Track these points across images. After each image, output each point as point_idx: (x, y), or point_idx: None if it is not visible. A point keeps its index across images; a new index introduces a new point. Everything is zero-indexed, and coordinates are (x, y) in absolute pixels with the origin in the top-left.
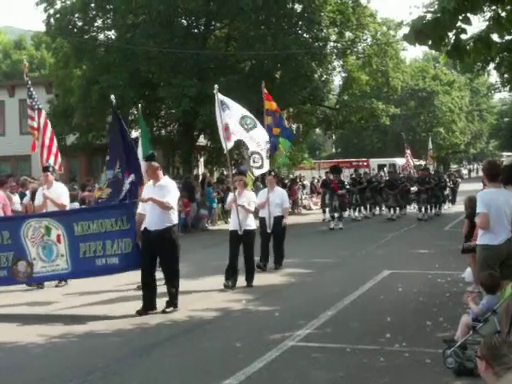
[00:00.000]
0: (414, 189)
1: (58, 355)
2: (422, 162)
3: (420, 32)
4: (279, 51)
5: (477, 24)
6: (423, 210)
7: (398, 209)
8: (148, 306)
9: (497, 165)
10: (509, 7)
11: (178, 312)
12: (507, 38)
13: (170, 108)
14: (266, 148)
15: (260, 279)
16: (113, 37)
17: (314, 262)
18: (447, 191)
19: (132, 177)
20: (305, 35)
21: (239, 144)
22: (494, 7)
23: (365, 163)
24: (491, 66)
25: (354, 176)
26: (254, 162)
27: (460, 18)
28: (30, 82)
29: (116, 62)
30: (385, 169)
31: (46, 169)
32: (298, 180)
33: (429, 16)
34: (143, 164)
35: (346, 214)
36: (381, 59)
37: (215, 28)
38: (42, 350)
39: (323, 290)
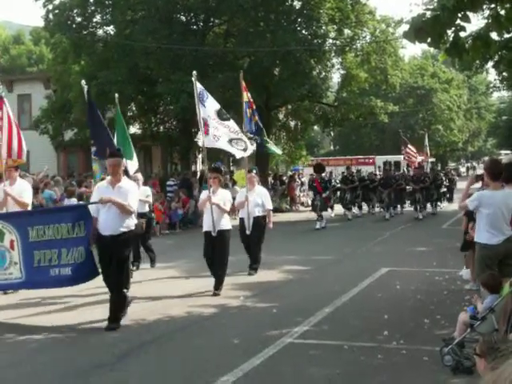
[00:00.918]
0: (409, 188)
1: (56, 352)
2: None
3: (420, 29)
4: (278, 48)
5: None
6: (418, 209)
7: (392, 208)
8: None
9: (499, 163)
10: (508, 5)
11: (176, 308)
12: (506, 36)
13: (168, 104)
14: (244, 134)
15: (258, 276)
16: (111, 32)
17: (312, 259)
18: (443, 189)
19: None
20: (304, 32)
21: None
22: (493, 5)
23: (370, 160)
24: (490, 64)
25: (345, 174)
26: (237, 145)
27: (459, 15)
28: None
29: (114, 58)
30: (379, 166)
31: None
32: (296, 177)
33: (428, 13)
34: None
35: (332, 213)
36: (379, 57)
37: (214, 24)
38: (39, 346)
39: (321, 287)
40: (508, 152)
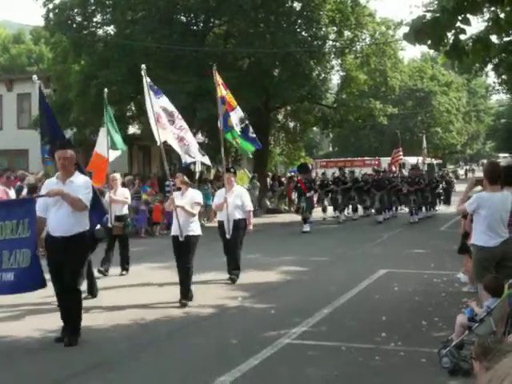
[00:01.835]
0: (404, 189)
1: (55, 350)
2: (434, 161)
3: (420, 31)
4: (278, 49)
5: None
6: (413, 211)
7: (386, 211)
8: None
9: (498, 166)
10: (508, 9)
11: (174, 308)
12: (506, 39)
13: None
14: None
15: (256, 277)
16: (112, 32)
17: (310, 261)
18: (439, 191)
19: None
20: (303, 33)
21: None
22: (493, 8)
23: (376, 162)
24: (489, 67)
25: (337, 175)
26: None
27: (459, 18)
28: None
29: (114, 58)
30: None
31: None
32: (294, 178)
33: (428, 15)
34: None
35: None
36: (379, 59)
37: (214, 25)
38: (39, 344)
39: (319, 289)
40: (506, 155)
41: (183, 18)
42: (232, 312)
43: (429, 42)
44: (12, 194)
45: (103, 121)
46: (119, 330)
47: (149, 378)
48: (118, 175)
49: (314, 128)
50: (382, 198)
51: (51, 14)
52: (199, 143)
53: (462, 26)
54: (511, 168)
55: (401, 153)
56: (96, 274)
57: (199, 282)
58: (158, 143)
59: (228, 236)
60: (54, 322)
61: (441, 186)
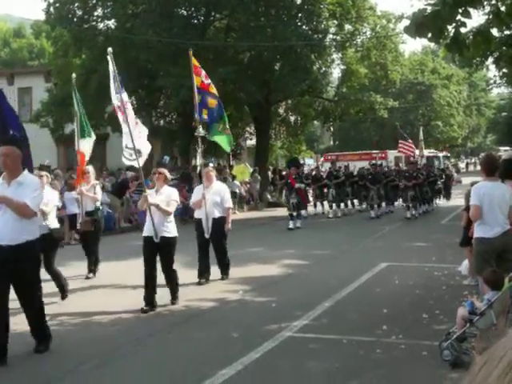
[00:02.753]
0: (401, 184)
1: (56, 344)
2: (440, 153)
3: (420, 24)
4: (278, 43)
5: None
6: (411, 207)
7: (383, 205)
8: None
9: (494, 159)
10: (508, 1)
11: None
12: (506, 32)
13: (168, 98)
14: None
15: (257, 270)
16: (112, 26)
17: (311, 254)
18: (439, 186)
19: None
20: (304, 27)
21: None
22: (493, 1)
23: (383, 155)
24: (490, 60)
25: (330, 169)
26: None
27: (460, 11)
28: None
29: (115, 52)
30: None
31: None
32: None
33: (429, 9)
34: (84, 145)
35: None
36: (380, 52)
37: (215, 19)
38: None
39: (320, 282)
40: (507, 148)
41: (184, 12)
42: (233, 305)
43: (429, 35)
44: None
45: (75, 109)
46: (119, 324)
47: (149, 371)
48: (90, 168)
49: (315, 122)
50: (379, 192)
51: (52, 8)
52: (200, 137)
53: (463, 19)
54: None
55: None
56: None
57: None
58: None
59: (207, 235)
60: (49, 314)
61: (440, 181)
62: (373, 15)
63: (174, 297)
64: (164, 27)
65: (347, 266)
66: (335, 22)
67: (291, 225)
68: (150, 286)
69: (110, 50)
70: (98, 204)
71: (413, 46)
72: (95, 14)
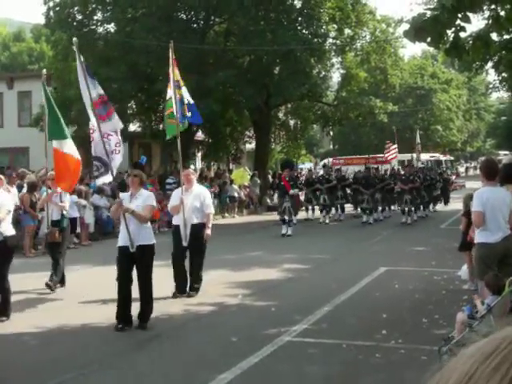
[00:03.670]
0: (397, 188)
1: (55, 348)
2: (442, 157)
3: (420, 29)
4: (278, 47)
5: (476, 23)
6: (406, 211)
7: (379, 211)
8: None
9: (494, 163)
10: (508, 6)
11: (174, 306)
12: (506, 36)
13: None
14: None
15: (256, 274)
16: (112, 30)
17: (310, 258)
18: (437, 191)
19: None
20: (304, 31)
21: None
22: (493, 6)
23: (384, 158)
24: (489, 64)
25: (322, 173)
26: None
27: (459, 16)
28: None
29: (115, 56)
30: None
31: None
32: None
33: (428, 13)
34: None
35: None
36: (379, 56)
37: (214, 23)
38: (38, 342)
39: (319, 286)
40: (507, 152)
41: (183, 16)
42: (232, 310)
43: (429, 39)
44: (14, 192)
45: (45, 107)
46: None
47: (149, 375)
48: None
49: (315, 126)
50: (373, 197)
51: (52, 12)
52: (199, 141)
53: (462, 24)
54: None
55: (396, 149)
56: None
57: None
58: (92, 125)
59: (185, 243)
60: (52, 319)
61: (438, 184)
62: (372, 19)
63: (144, 318)
64: (163, 31)
65: (347, 271)
66: (335, 26)
67: (284, 230)
68: (124, 303)
69: (75, 39)
70: (65, 212)
71: (412, 51)
72: (95, 18)
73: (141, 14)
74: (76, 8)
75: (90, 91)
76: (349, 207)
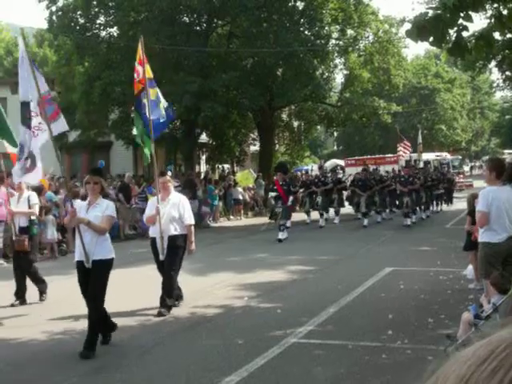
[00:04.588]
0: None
1: (60, 351)
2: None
3: (422, 28)
4: (281, 48)
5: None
6: (407, 213)
7: (381, 212)
8: None
9: (502, 162)
10: (511, 5)
11: (180, 309)
12: (509, 35)
13: (171, 104)
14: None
15: (262, 276)
16: (115, 34)
17: (315, 260)
18: (439, 191)
19: None
20: (306, 32)
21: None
22: (495, 5)
23: (394, 159)
24: (493, 63)
25: (318, 175)
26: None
27: (461, 15)
28: None
29: (118, 59)
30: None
31: None
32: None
33: (431, 12)
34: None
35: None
36: (382, 57)
37: (217, 25)
38: (43, 346)
39: (325, 287)
40: (511, 151)
41: (186, 19)
42: (238, 312)
43: (431, 39)
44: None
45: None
46: (124, 332)
47: (155, 378)
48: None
49: (318, 127)
50: (371, 199)
51: (54, 17)
52: (203, 143)
53: (465, 23)
54: None
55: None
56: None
57: (204, 282)
58: (50, 137)
59: (161, 257)
60: (58, 325)
61: (441, 185)
62: (375, 20)
63: (91, 342)
64: (166, 34)
65: (352, 271)
66: (337, 27)
67: (280, 235)
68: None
69: (21, 30)
70: (34, 217)
71: (416, 51)
72: (97, 21)
73: (143, 18)
74: (79, 12)
75: (39, 85)
76: (348, 209)
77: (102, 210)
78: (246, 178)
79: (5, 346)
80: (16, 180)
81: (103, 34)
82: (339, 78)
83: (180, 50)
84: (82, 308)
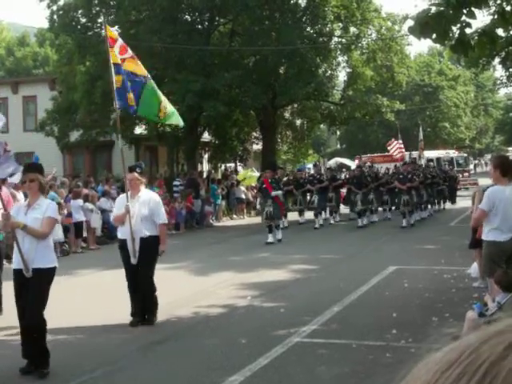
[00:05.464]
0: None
1: (64, 352)
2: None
3: (425, 25)
4: (283, 46)
5: (482, 18)
6: (406, 213)
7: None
8: None
9: (507, 160)
10: None
11: (183, 309)
12: None
13: (173, 103)
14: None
15: (265, 275)
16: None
17: (319, 259)
18: (441, 187)
19: None
20: (309, 30)
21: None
22: (498, 1)
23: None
24: (496, 60)
25: (312, 172)
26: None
27: (464, 11)
28: None
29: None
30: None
31: None
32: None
33: (433, 9)
34: None
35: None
36: (385, 54)
37: (219, 23)
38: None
39: (328, 286)
40: None
41: (188, 17)
42: (241, 311)
43: (434, 35)
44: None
45: None
46: (127, 331)
47: (158, 377)
48: None
49: (321, 125)
50: (366, 197)
51: (55, 16)
52: (206, 142)
53: (468, 20)
54: None
55: (400, 145)
56: None
57: (208, 282)
58: None
59: (133, 261)
60: (59, 325)
61: (442, 183)
62: (378, 17)
63: (44, 368)
64: (168, 33)
65: (355, 270)
66: (340, 24)
67: (270, 238)
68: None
69: None
70: None
71: (419, 48)
72: (99, 20)
73: (145, 16)
74: (80, 11)
75: None
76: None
77: (42, 211)
78: (248, 177)
79: (8, 347)
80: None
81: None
82: (342, 75)
83: (182, 49)
84: (84, 310)
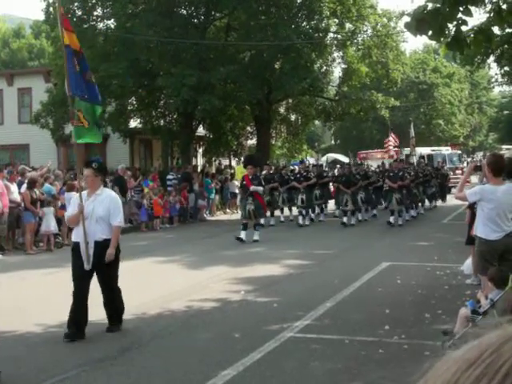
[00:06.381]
0: (386, 186)
1: (57, 345)
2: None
3: (421, 21)
4: (279, 41)
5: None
6: (396, 212)
7: (363, 211)
8: None
9: (502, 159)
10: (510, 0)
11: (176, 303)
12: (508, 30)
13: (168, 97)
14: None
15: (258, 270)
16: (112, 26)
17: (312, 254)
18: (432, 189)
19: None
20: (305, 25)
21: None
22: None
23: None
24: (491, 58)
25: (299, 170)
26: None
27: (461, 9)
28: None
29: (115, 51)
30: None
31: None
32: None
33: (430, 6)
34: None
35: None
36: (381, 51)
37: (215, 18)
38: (40, 339)
39: (322, 282)
40: (509, 147)
41: (184, 11)
42: (234, 306)
43: (430, 32)
44: (14, 189)
45: None
46: (121, 325)
47: (151, 371)
48: None
49: (316, 121)
50: (353, 196)
51: (51, 8)
52: (200, 137)
53: (464, 17)
54: None
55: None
56: None
57: (201, 276)
58: None
59: (87, 266)
60: (54, 317)
61: (433, 181)
62: (373, 13)
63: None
64: (164, 27)
65: (349, 266)
66: (336, 20)
67: (243, 235)
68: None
69: None
70: None
71: (414, 45)
72: (95, 13)
73: (141, 10)
74: (76, 4)
75: None
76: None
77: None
78: (242, 172)
79: (2, 340)
80: None
81: (100, 25)
82: (337, 71)
83: (178, 43)
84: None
